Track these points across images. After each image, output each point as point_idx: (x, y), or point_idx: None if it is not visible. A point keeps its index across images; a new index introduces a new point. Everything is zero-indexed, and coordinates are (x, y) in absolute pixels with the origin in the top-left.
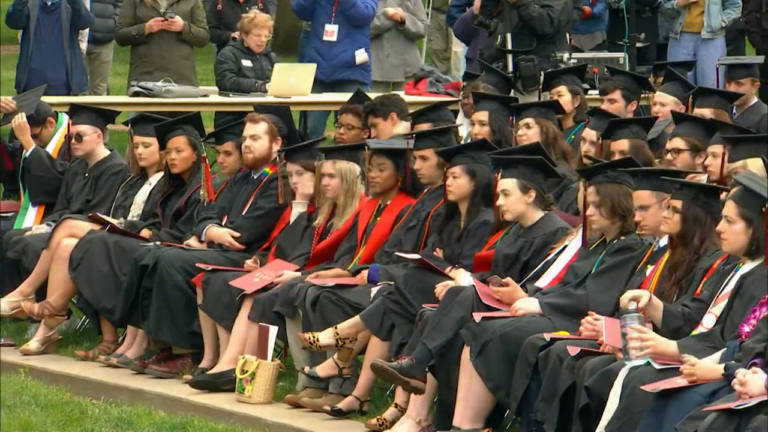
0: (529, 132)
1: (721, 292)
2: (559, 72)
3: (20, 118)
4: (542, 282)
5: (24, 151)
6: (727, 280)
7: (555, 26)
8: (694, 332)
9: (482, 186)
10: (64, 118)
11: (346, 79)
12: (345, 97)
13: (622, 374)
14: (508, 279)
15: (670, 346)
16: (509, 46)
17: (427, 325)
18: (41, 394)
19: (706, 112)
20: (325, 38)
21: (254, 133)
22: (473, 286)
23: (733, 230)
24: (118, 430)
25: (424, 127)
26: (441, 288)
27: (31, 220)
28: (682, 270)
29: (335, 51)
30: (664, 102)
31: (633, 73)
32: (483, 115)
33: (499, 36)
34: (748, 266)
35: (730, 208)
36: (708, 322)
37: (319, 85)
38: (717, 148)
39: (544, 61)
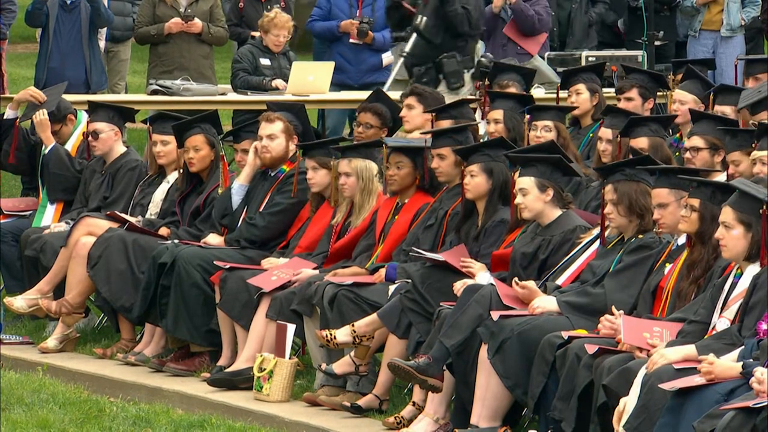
0: (548, 135)
1: (729, 297)
2: (578, 70)
3: (41, 114)
4: (561, 280)
5: (43, 147)
6: (728, 287)
7: (472, 26)
8: (707, 336)
9: (500, 184)
10: (84, 116)
11: (374, 82)
12: (363, 95)
13: (641, 373)
14: (524, 283)
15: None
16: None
17: (445, 324)
18: (59, 392)
19: (727, 110)
20: (351, 40)
21: (271, 133)
22: (492, 284)
23: (732, 236)
24: (135, 428)
25: (445, 123)
26: (459, 286)
27: (49, 218)
28: (700, 268)
29: (363, 56)
30: (683, 100)
31: (649, 71)
32: (498, 114)
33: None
34: (753, 268)
35: (727, 214)
36: (722, 326)
37: (348, 89)
38: (736, 156)
39: (468, 60)
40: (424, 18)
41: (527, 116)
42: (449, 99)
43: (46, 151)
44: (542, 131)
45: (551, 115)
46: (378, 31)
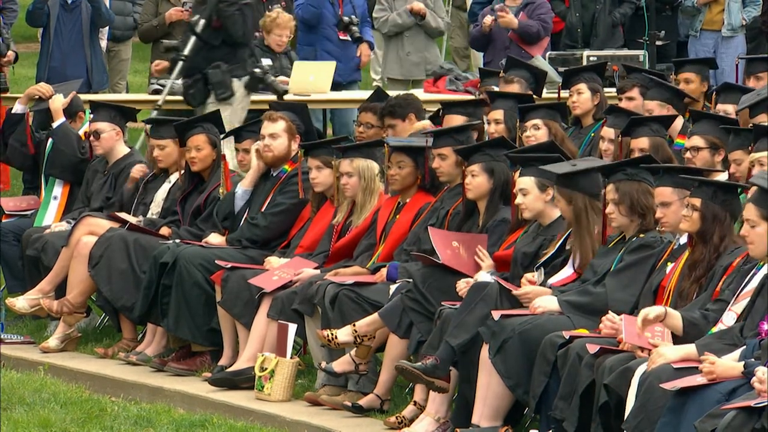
0: (537, 133)
1: (743, 290)
2: (579, 69)
3: (58, 94)
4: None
5: (52, 122)
6: (747, 278)
7: (245, 34)
8: (714, 329)
9: (500, 184)
10: (90, 116)
11: (360, 80)
12: (363, 95)
13: (638, 372)
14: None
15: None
16: None
17: (450, 323)
18: (60, 392)
19: (730, 109)
20: (341, 37)
21: (273, 132)
22: (497, 282)
23: (757, 233)
24: (137, 428)
25: (457, 118)
26: (463, 285)
27: (51, 217)
28: (701, 268)
29: (351, 52)
30: (649, 110)
31: (650, 70)
32: (498, 114)
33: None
34: None
35: (750, 211)
36: (728, 320)
37: (336, 87)
38: (737, 154)
39: (237, 68)
40: (202, 20)
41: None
42: (214, 108)
43: (55, 125)
44: (531, 130)
45: (540, 113)
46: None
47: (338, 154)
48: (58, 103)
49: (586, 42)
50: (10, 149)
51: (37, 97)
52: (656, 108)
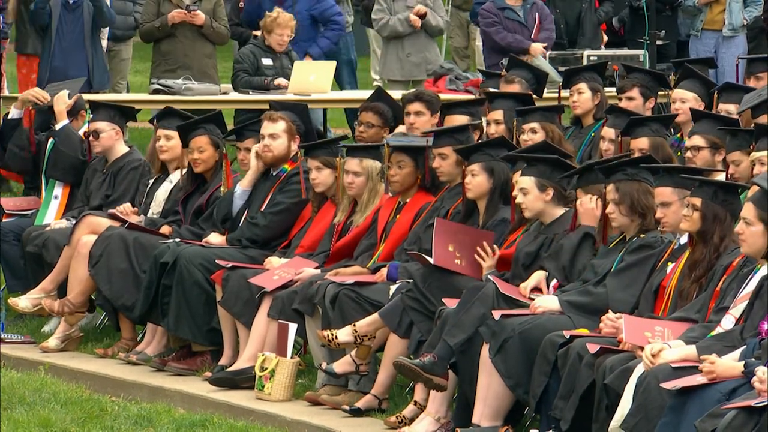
0: (535, 137)
1: (741, 293)
2: (580, 69)
3: (63, 93)
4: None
5: (55, 123)
6: (746, 282)
7: None
8: (713, 333)
9: (500, 184)
10: (90, 116)
11: None
12: (363, 94)
13: (637, 372)
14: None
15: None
16: None
17: (448, 322)
18: (61, 392)
19: (732, 108)
20: None
21: (273, 132)
22: (494, 282)
23: (751, 232)
24: (137, 428)
25: (459, 118)
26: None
27: (52, 216)
28: (702, 268)
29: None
30: (684, 99)
31: (650, 70)
32: (498, 114)
33: None
34: (766, 268)
35: (749, 210)
36: (727, 323)
37: None
38: (736, 155)
39: None
40: None
41: (516, 119)
42: None
43: (58, 127)
44: (529, 134)
45: (537, 116)
46: (304, 41)
47: (342, 153)
48: (62, 104)
49: (571, 40)
50: (9, 154)
51: (32, 102)
52: (692, 101)
